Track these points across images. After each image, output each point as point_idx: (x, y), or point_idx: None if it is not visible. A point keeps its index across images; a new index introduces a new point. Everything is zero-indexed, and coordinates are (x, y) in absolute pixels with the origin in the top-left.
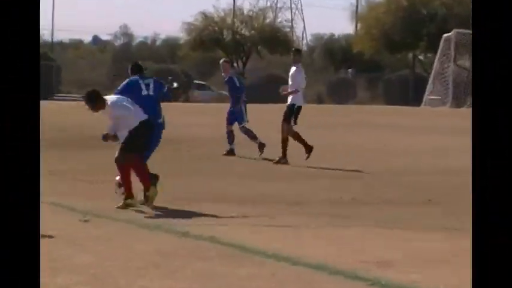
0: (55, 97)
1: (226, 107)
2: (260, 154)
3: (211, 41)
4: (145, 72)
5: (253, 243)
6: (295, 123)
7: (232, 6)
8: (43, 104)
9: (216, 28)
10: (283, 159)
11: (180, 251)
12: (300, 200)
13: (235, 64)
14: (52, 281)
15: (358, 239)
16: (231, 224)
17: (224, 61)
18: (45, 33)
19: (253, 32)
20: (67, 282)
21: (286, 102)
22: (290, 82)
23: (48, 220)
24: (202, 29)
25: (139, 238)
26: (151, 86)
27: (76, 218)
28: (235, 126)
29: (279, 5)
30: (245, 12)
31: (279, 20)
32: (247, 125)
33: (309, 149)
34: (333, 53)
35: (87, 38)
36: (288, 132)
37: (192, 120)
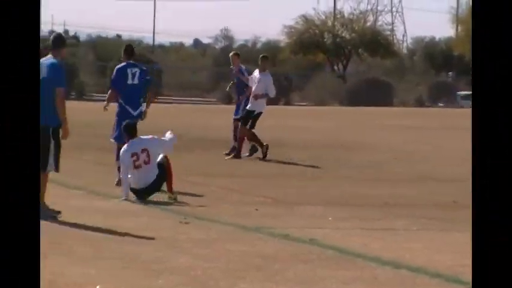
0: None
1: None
2: (226, 155)
3: (312, 44)
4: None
5: (354, 246)
6: (252, 127)
7: (332, 9)
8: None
9: (317, 31)
10: (237, 153)
11: (281, 254)
12: (401, 203)
13: (335, 67)
14: (153, 282)
15: (458, 242)
16: (331, 226)
17: (234, 54)
18: (146, 36)
19: (353, 35)
20: (169, 284)
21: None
22: (258, 85)
23: (149, 222)
24: (302, 32)
25: (239, 240)
26: (137, 74)
27: (177, 219)
28: None
29: (379, 8)
30: (345, 15)
31: (379, 23)
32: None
33: (238, 153)
34: (434, 56)
35: (188, 41)
36: (244, 133)
37: (297, 123)
